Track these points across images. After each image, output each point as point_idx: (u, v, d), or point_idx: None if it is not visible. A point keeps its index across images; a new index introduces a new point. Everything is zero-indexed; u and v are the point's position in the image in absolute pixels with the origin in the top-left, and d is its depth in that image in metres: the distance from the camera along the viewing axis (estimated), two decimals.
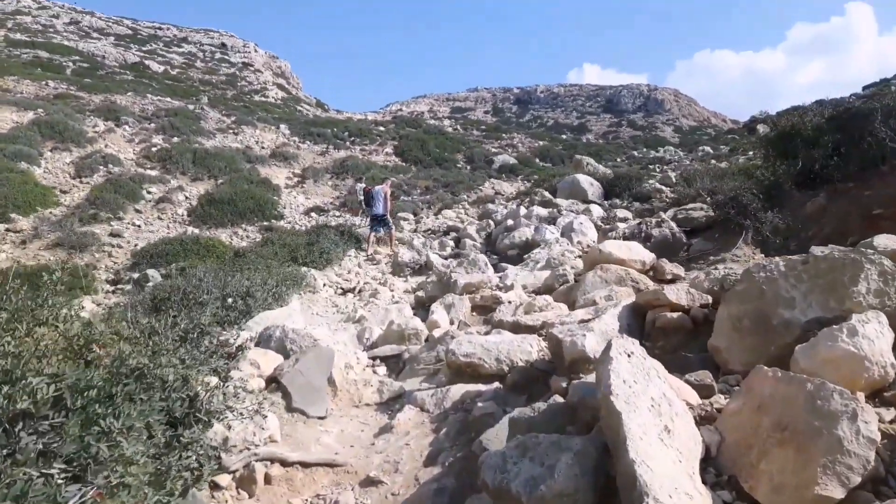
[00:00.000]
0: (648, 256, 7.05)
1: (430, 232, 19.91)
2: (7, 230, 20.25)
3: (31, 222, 20.75)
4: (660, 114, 76.18)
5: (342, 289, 13.01)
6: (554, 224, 14.89)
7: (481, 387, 4.79)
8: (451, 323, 6.91)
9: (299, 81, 74.97)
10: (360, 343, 6.78)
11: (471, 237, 16.15)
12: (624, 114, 74.31)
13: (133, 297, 7.68)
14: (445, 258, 15.21)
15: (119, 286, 17.42)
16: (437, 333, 6.51)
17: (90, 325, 3.04)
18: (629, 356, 2.63)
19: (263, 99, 54.34)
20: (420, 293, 8.73)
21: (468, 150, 37.14)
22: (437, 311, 6.92)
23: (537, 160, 36.21)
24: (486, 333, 6.09)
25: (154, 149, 29.43)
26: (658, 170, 22.10)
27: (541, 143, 40.67)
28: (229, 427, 3.87)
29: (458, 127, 44.18)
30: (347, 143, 36.40)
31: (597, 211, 13.99)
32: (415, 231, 20.37)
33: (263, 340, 5.90)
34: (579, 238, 11.33)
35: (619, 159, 35.19)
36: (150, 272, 16.68)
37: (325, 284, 12.96)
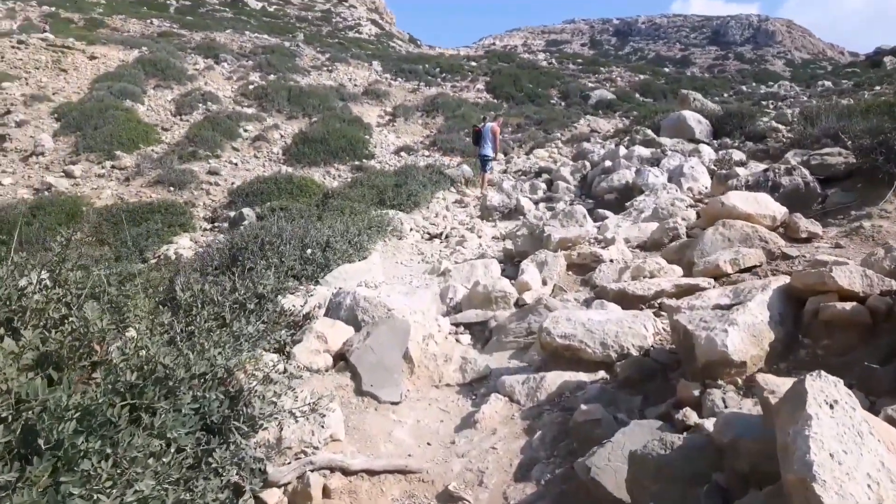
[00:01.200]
0: (780, 210, 5.88)
1: (520, 173, 18.86)
2: (113, 167, 20.59)
3: (134, 159, 21.02)
4: (770, 46, 70.51)
5: (429, 234, 12.32)
6: (658, 166, 13.58)
7: (583, 376, 3.94)
8: (544, 283, 6.02)
9: (393, 17, 73.65)
10: (444, 302, 6.04)
11: (564, 179, 15.03)
12: (731, 46, 69.09)
13: (208, 248, 7.22)
14: (536, 202, 14.24)
15: (216, 224, 17.43)
16: (528, 297, 5.67)
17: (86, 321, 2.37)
18: (832, 407, 1.73)
19: (357, 35, 53.53)
20: (509, 244, 7.86)
21: (563, 85, 35.32)
22: (528, 270, 6.05)
23: (637, 95, 34.06)
24: (586, 302, 5.20)
25: (251, 86, 29.37)
26: (772, 106, 20.06)
27: (641, 76, 38.20)
28: (281, 428, 3.22)
29: (553, 61, 42.12)
30: (438, 79, 35.30)
31: (707, 152, 12.55)
32: (504, 172, 19.36)
33: (333, 308, 5.22)
34: (690, 184, 10.08)
35: (726, 94, 32.60)
36: (246, 210, 16.55)
37: (411, 229, 12.31)
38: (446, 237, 11.98)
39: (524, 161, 21.62)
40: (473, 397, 4.33)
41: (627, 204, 9.74)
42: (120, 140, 22.03)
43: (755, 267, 5.15)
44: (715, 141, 16.08)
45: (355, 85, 33.38)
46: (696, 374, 3.14)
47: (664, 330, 4.20)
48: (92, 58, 29.84)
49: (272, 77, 31.09)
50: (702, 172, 10.53)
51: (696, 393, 3.04)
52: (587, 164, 15.52)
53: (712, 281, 4.86)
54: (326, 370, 4.39)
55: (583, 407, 3.31)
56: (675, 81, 36.94)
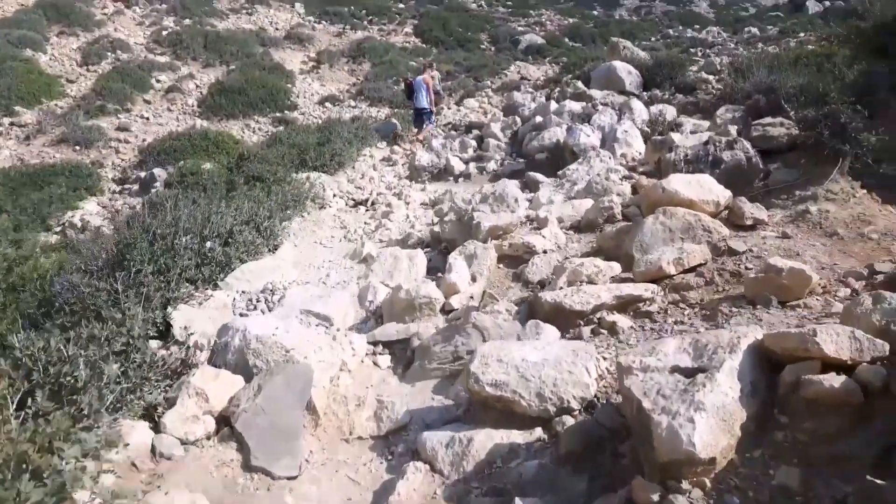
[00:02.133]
0: (723, 195, 5.29)
1: (450, 127, 17.96)
2: (11, 124, 18.77)
3: (36, 115, 19.18)
4: None
5: (353, 200, 11.47)
6: (589, 122, 12.96)
7: (517, 436, 3.26)
8: (473, 280, 5.32)
9: None
10: (363, 306, 5.31)
11: (495, 136, 14.26)
12: None
13: (89, 245, 6.20)
14: (467, 161, 13.48)
15: (126, 186, 16.10)
16: (455, 302, 5.00)
17: None
18: None
19: None
20: (437, 227, 7.12)
21: (493, 29, 34.12)
22: (456, 265, 5.35)
23: (567, 40, 33.18)
24: (519, 315, 4.54)
25: (164, 32, 27.21)
26: (700, 54, 19.65)
27: (571, 20, 37.26)
28: None
29: (483, 3, 40.71)
30: (365, 22, 33.61)
31: (639, 109, 11.93)
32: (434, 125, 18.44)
33: (219, 351, 4.30)
34: (623, 149, 9.46)
35: (654, 38, 32.06)
36: (157, 171, 15.31)
37: (334, 195, 11.42)
38: (372, 204, 11.18)
39: (454, 113, 20.71)
40: (389, 458, 3.63)
41: (560, 173, 9.06)
42: (19, 94, 20.07)
43: (700, 266, 4.61)
44: (645, 93, 15.55)
45: (277, 29, 31.45)
46: (654, 470, 2.53)
47: (609, 372, 3.59)
48: None
49: (187, 22, 28.90)
50: (635, 137, 9.92)
51: (655, 498, 2.44)
52: (518, 119, 14.76)
53: (655, 288, 4.30)
54: (207, 438, 3.60)
55: (518, 500, 2.68)
56: (603, 25, 36.11)
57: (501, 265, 5.76)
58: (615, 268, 4.90)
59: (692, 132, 9.84)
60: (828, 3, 32.34)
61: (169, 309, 4.75)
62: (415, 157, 13.61)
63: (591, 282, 4.52)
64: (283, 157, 13.26)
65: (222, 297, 5.28)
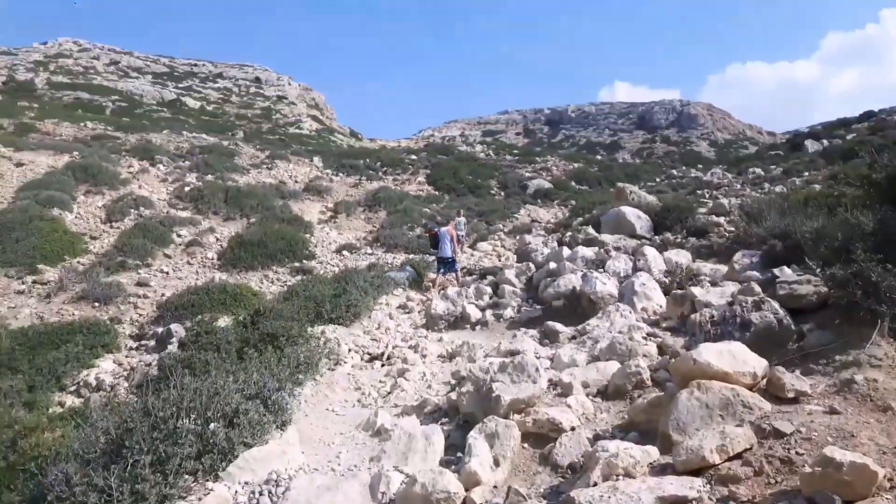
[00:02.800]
0: (759, 365, 4.91)
1: (464, 271, 18.00)
2: (34, 282, 18.97)
3: (58, 272, 19.42)
4: (694, 128, 73.11)
5: (369, 354, 11.19)
6: (603, 268, 12.89)
7: None
8: (496, 464, 4.84)
9: (333, 112, 73.99)
10: (374, 498, 4.85)
11: (510, 283, 14.19)
12: (657, 130, 71.38)
13: (93, 427, 5.83)
14: (483, 308, 13.33)
15: (143, 342, 15.94)
16: (477, 498, 4.51)
17: None
18: None
19: (298, 131, 53.25)
20: (454, 396, 6.71)
21: (501, 175, 35.28)
22: (477, 447, 4.97)
23: (573, 183, 34.17)
24: None
25: (186, 188, 28.18)
26: (708, 195, 19.96)
27: (575, 165, 38.56)
28: None
29: (491, 152, 42.32)
30: (380, 173, 34.84)
31: (653, 256, 11.83)
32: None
33: None
34: (643, 303, 9.28)
35: (658, 179, 32.92)
36: (174, 327, 15.21)
37: (349, 350, 11.17)
38: (388, 358, 10.90)
39: (468, 257, 20.88)
40: None
41: (580, 328, 8.81)
42: (43, 252, 20.45)
43: (745, 451, 4.18)
44: (657, 237, 15.60)
45: (296, 182, 32.58)
46: None
47: None
48: (19, 164, 28.37)
49: (209, 177, 30.02)
50: (653, 289, 9.75)
51: None
52: (531, 265, 14.76)
53: (700, 484, 3.86)
54: None
55: None
56: (607, 168, 37.34)
57: (526, 444, 5.33)
58: (652, 453, 4.44)
59: (711, 283, 9.63)
60: (825, 143, 33.34)
61: None
62: (431, 306, 13.46)
63: (627, 474, 4.11)
64: (298, 311, 13.13)
65: (223, 491, 4.84)
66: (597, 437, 5.21)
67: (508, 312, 12.88)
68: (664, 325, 8.34)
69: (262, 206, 26.63)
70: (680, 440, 4.40)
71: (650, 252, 11.89)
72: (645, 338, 7.31)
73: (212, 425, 5.49)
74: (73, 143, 33.67)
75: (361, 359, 11.04)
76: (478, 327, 12.77)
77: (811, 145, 33.42)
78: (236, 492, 5.05)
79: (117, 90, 55.19)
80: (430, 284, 16.78)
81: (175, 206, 26.87)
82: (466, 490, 4.63)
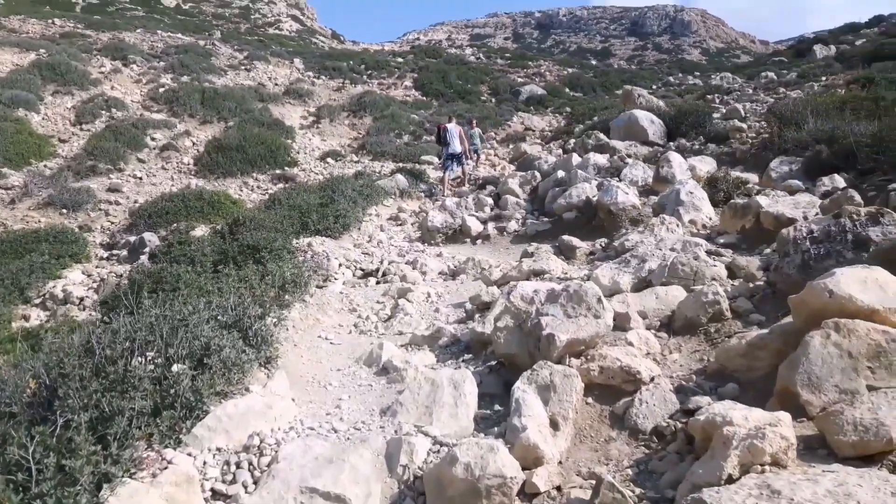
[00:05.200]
0: None
1: (459, 181, 16.50)
2: None
3: (23, 177, 17.65)
4: (686, 36, 69.89)
5: (362, 270, 9.85)
6: (618, 176, 11.49)
7: None
8: (555, 427, 3.57)
9: (314, 12, 69.70)
10: (393, 475, 3.56)
11: (513, 193, 12.78)
12: (649, 37, 68.04)
13: (16, 372, 4.40)
14: (484, 221, 11.97)
15: (114, 251, 14.48)
16: (541, 483, 3.21)
17: None
18: None
19: (278, 32, 49.93)
20: (479, 328, 5.29)
21: (492, 80, 33.10)
22: (528, 403, 3.69)
23: (567, 90, 32.13)
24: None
25: (161, 90, 25.97)
26: (718, 101, 18.34)
27: (570, 70, 36.31)
28: None
29: (481, 56, 39.81)
30: (364, 77, 32.53)
31: (678, 162, 10.36)
32: (441, 181, 16.95)
33: None
34: (691, 215, 7.88)
35: (654, 86, 30.97)
36: (147, 236, 13.80)
37: (340, 265, 9.81)
38: (383, 275, 9.58)
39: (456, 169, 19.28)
40: None
41: (617, 245, 7.43)
42: (7, 155, 18.59)
43: None
44: (671, 143, 14.13)
45: (276, 84, 30.35)
46: None
47: None
48: None
49: (185, 79, 27.70)
50: (702, 198, 8.33)
51: None
52: (537, 174, 13.28)
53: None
54: None
55: None
56: (603, 74, 35.21)
57: (590, 398, 4.10)
58: (787, 424, 3.01)
59: (793, 191, 8.19)
60: (833, 48, 31.36)
61: (105, 492, 3.06)
62: (427, 218, 12.08)
63: (776, 463, 2.79)
64: (282, 221, 11.67)
65: (186, 464, 3.52)
66: (680, 389, 3.95)
67: (513, 225, 11.58)
68: (722, 240, 7.01)
69: (240, 110, 24.67)
70: (814, 401, 3.15)
71: (675, 158, 10.45)
72: (712, 259, 5.95)
73: (175, 367, 4.12)
74: (40, 41, 30.89)
75: (354, 275, 9.74)
76: (479, 241, 11.49)
77: (820, 50, 31.34)
78: (204, 462, 3.73)
79: None
80: (438, 184, 15.80)
81: (149, 108, 24.83)
82: (524, 468, 3.32)
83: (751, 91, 20.52)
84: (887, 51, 21.36)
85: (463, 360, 5.36)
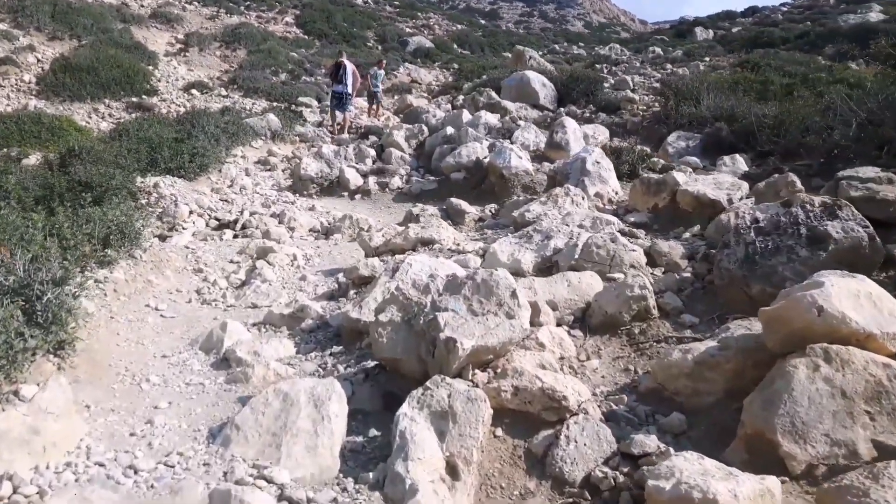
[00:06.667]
0: None
1: (339, 127, 15.04)
2: None
3: None
4: (571, 7, 70.44)
5: (217, 220, 8.39)
6: (510, 139, 10.61)
7: None
8: (453, 476, 2.49)
9: None
10: None
11: (398, 146, 11.59)
12: (536, 4, 67.78)
13: None
14: (365, 174, 10.76)
15: None
16: None
17: None
18: None
19: None
20: (353, 314, 4.09)
21: (380, 27, 31.26)
22: (417, 443, 2.71)
23: (455, 46, 30.92)
24: None
25: None
26: (606, 71, 17.91)
27: (459, 26, 35.05)
28: None
29: (370, 0, 37.68)
30: (242, 7, 29.72)
31: (573, 128, 9.57)
32: (320, 125, 15.40)
33: None
34: (597, 187, 7.06)
35: (540, 52, 30.46)
36: None
37: (191, 212, 8.30)
38: (243, 228, 8.19)
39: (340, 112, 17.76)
40: None
41: (517, 215, 6.47)
42: None
43: None
44: (561, 108, 13.44)
45: (142, 6, 27.01)
46: None
47: None
48: None
49: None
50: (608, 169, 7.53)
51: None
52: (424, 128, 12.13)
53: None
54: None
55: None
56: (491, 35, 34.28)
57: (499, 430, 3.10)
58: (776, 492, 2.17)
59: (692, 168, 7.54)
60: (711, 32, 32.20)
61: None
62: (300, 165, 10.70)
63: None
64: (126, 155, 9.86)
65: None
66: (610, 416, 3.05)
67: (396, 181, 10.48)
68: (631, 218, 6.24)
69: (97, 28, 21.57)
70: (798, 455, 2.38)
71: (570, 124, 9.67)
72: (622, 235, 5.11)
73: None
74: None
75: (207, 224, 8.27)
76: (358, 196, 10.31)
77: (700, 33, 32.06)
78: None
79: None
80: (326, 125, 14.93)
81: None
82: None
83: (638, 64, 20.35)
84: (766, 38, 22.17)
85: (331, 354, 4.22)
